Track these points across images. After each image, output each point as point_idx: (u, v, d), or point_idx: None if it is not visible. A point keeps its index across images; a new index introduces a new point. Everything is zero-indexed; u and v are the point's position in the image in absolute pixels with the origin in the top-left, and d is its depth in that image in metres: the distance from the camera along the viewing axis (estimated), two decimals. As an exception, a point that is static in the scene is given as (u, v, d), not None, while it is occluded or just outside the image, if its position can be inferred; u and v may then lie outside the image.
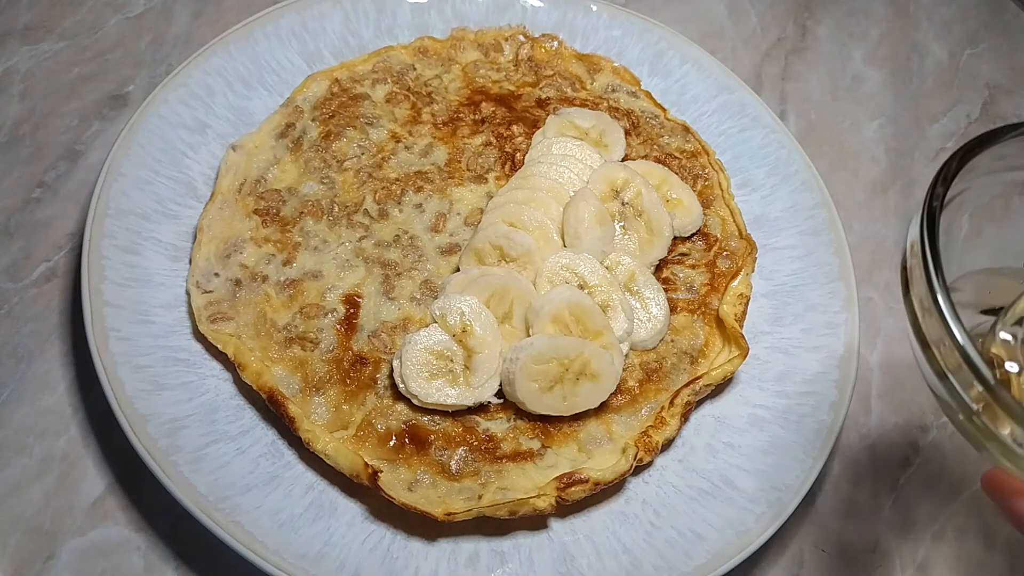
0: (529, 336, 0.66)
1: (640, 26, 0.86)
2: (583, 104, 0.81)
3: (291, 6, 0.81)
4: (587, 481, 0.61)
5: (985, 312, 0.57)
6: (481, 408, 0.65)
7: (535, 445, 0.64)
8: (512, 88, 0.82)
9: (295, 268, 0.69)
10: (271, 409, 0.63)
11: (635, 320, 0.69)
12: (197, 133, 0.74)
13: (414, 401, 0.64)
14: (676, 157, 0.79)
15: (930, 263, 0.48)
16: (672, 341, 0.70)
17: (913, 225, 0.51)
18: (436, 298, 0.68)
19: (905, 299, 0.51)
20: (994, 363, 0.53)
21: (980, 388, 0.46)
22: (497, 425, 0.65)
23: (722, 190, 0.78)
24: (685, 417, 0.67)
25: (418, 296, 0.69)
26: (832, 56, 0.97)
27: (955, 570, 0.69)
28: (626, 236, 0.72)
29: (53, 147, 0.80)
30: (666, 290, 0.72)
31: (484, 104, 0.80)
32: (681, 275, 0.74)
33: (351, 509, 0.61)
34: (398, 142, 0.77)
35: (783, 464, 0.65)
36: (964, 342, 0.46)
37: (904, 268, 0.51)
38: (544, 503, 0.60)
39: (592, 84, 0.84)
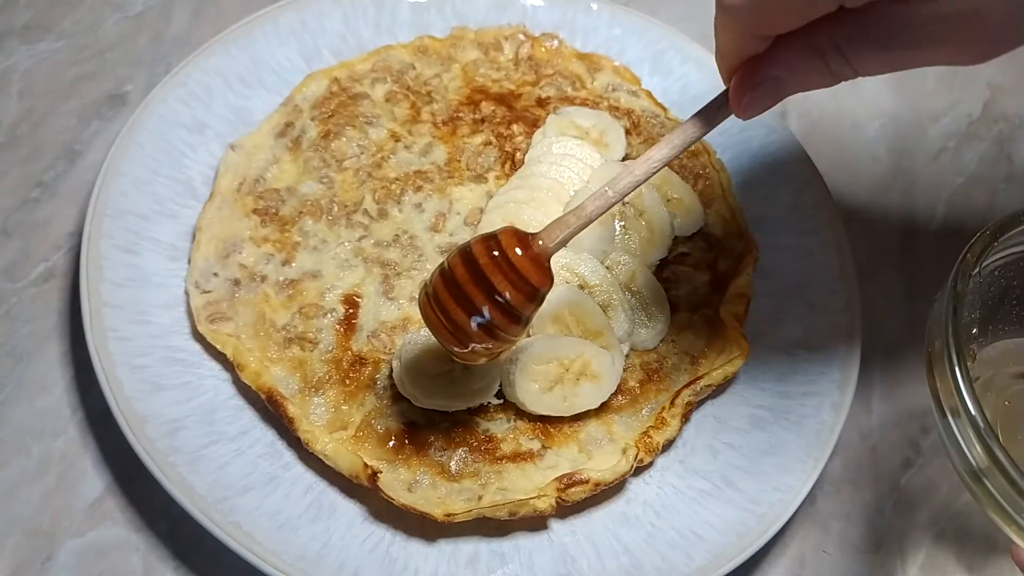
0: (529, 336, 0.66)
1: (641, 25, 0.86)
2: (583, 103, 0.81)
3: (290, 5, 0.81)
4: (587, 482, 0.61)
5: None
6: (481, 408, 0.65)
7: (535, 446, 0.64)
8: (512, 87, 0.82)
9: (294, 268, 0.69)
10: (270, 409, 0.63)
11: (636, 320, 0.69)
12: (196, 132, 0.74)
13: (413, 402, 0.63)
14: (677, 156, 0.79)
15: (952, 344, 0.54)
16: (673, 341, 0.70)
17: (937, 308, 0.57)
18: (436, 298, 0.67)
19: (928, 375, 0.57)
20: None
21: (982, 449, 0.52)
22: (497, 426, 0.65)
23: (723, 189, 0.77)
24: (686, 417, 0.66)
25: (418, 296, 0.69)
26: (833, 55, 0.96)
27: (957, 571, 0.68)
28: (627, 236, 0.72)
29: (51, 147, 0.80)
30: (667, 290, 0.71)
31: (484, 103, 0.80)
32: (682, 275, 0.73)
33: (350, 510, 0.61)
34: (397, 141, 0.77)
35: (784, 465, 0.65)
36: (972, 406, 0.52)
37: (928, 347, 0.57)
38: (544, 504, 0.60)
39: (592, 83, 0.83)
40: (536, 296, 0.54)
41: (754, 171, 0.80)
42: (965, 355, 0.53)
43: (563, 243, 0.54)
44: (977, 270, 0.58)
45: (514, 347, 0.57)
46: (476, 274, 0.53)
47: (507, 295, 0.52)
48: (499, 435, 0.64)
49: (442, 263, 0.55)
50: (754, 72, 0.49)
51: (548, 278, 0.54)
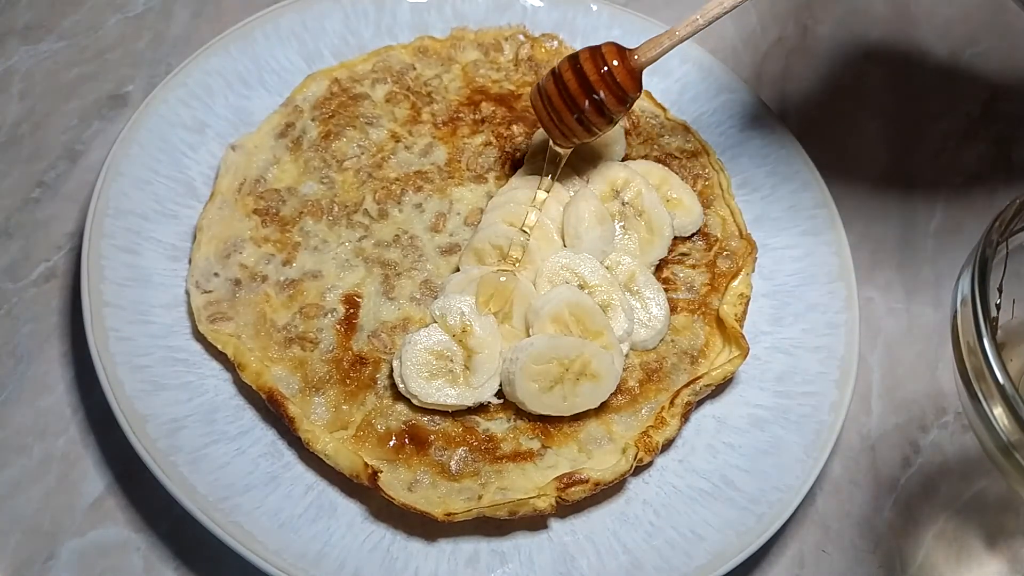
0: (529, 336, 0.66)
1: (640, 26, 0.86)
2: (583, 104, 0.81)
3: (291, 6, 0.81)
4: (587, 481, 0.61)
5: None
6: (481, 408, 0.65)
7: (535, 445, 0.64)
8: (512, 88, 0.82)
9: (295, 268, 0.69)
10: (271, 409, 0.63)
11: (635, 320, 0.69)
12: (196, 133, 0.74)
13: (414, 401, 0.64)
14: (676, 157, 0.79)
15: (979, 310, 0.52)
16: (672, 341, 0.70)
17: (964, 276, 0.56)
18: (436, 298, 0.68)
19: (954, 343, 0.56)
20: None
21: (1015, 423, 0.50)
22: (497, 425, 0.65)
23: (722, 190, 0.77)
24: (685, 417, 0.67)
25: (418, 296, 0.69)
26: (833, 56, 0.96)
27: (956, 570, 0.68)
28: (626, 236, 0.72)
29: (52, 147, 0.80)
30: (666, 290, 0.71)
31: (484, 104, 0.80)
32: (681, 275, 0.74)
33: (351, 509, 0.61)
34: (398, 142, 0.77)
35: (784, 464, 0.65)
36: (1003, 380, 0.50)
37: (953, 317, 0.56)
38: (544, 503, 0.60)
39: (592, 84, 0.83)
40: (626, 100, 0.64)
41: (754, 171, 0.80)
42: (991, 324, 0.53)
43: (655, 59, 0.64)
44: (1004, 240, 0.57)
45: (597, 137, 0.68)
46: (581, 78, 0.63)
47: (602, 95, 0.63)
48: (499, 435, 0.64)
49: (553, 68, 0.66)
50: None
51: (638, 87, 0.64)
